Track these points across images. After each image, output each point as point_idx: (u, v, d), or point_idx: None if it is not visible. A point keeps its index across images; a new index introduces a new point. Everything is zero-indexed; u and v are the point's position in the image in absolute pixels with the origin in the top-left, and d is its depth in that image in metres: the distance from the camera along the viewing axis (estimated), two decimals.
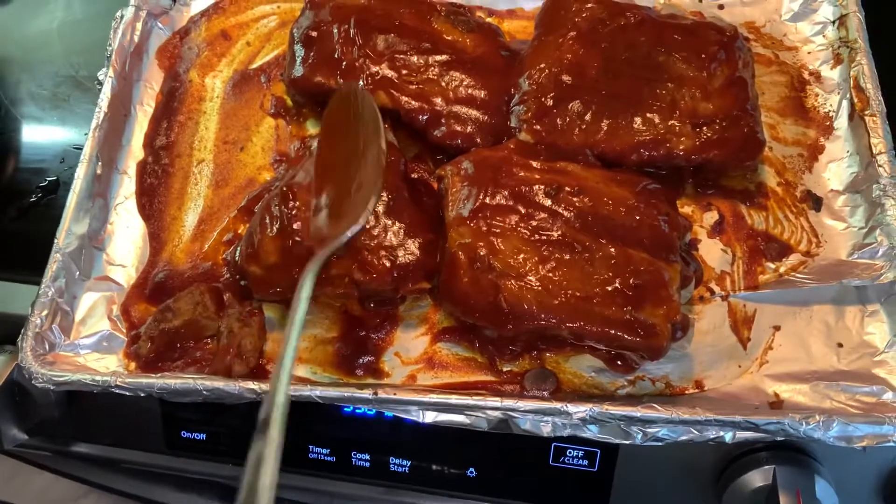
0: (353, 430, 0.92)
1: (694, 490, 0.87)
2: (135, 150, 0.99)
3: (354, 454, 0.92)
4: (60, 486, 1.20)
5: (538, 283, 0.79)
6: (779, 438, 0.75)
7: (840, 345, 0.82)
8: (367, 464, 0.92)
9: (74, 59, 1.16)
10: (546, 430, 0.77)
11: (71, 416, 0.95)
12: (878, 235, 0.84)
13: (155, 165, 0.98)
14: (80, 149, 0.94)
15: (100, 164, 0.93)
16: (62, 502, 1.27)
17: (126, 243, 0.93)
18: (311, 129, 0.98)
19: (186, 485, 1.03)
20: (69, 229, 0.89)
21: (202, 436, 0.94)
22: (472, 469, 0.91)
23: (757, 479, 0.82)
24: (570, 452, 0.87)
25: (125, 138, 0.99)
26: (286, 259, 0.82)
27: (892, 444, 0.73)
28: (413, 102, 0.91)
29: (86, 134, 0.95)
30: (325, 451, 0.92)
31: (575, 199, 0.82)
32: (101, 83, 0.99)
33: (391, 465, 0.92)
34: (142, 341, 0.85)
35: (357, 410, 0.89)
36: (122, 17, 1.03)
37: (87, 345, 0.87)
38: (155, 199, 0.96)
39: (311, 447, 0.93)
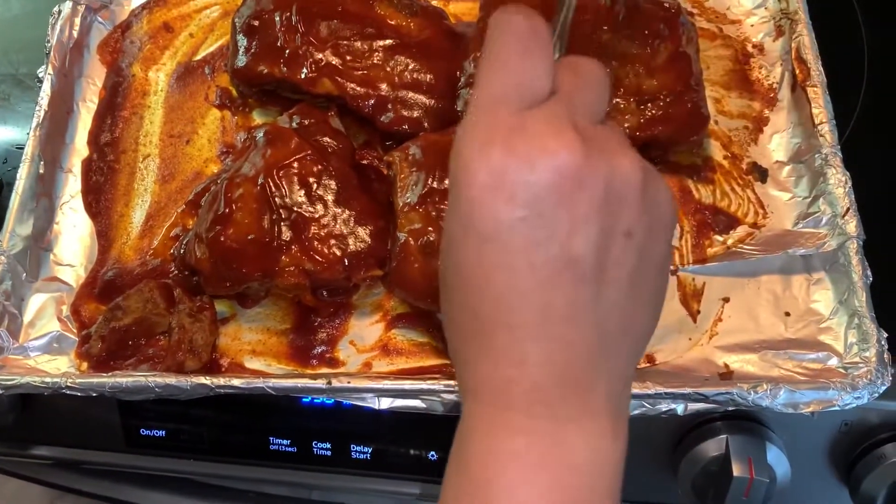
0: (313, 419, 0.92)
1: (651, 462, 0.88)
2: (79, 147, 0.97)
3: (315, 444, 0.92)
4: (31, 491, 1.19)
5: None
6: (730, 408, 0.77)
7: (787, 314, 0.83)
8: (329, 452, 0.92)
9: (13, 57, 1.13)
10: None
11: (27, 419, 0.94)
12: (821, 204, 0.85)
13: (100, 162, 0.96)
14: (23, 148, 0.93)
15: (42, 162, 0.92)
16: None
17: (73, 243, 0.92)
18: (257, 118, 0.98)
19: (149, 482, 1.02)
20: (13, 230, 0.88)
21: (162, 433, 0.94)
22: (433, 453, 0.91)
23: (711, 448, 0.83)
24: None
25: (69, 136, 0.98)
26: (234, 253, 0.81)
27: (837, 408, 0.74)
28: (359, 88, 0.90)
29: (28, 133, 0.93)
30: (285, 442, 0.92)
31: None
32: (41, 80, 0.97)
33: (353, 453, 0.92)
34: (93, 341, 0.84)
35: (315, 400, 0.90)
36: (59, 12, 1.01)
37: (37, 347, 0.86)
38: (101, 197, 0.94)
39: (271, 439, 0.93)
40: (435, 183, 0.83)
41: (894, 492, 0.82)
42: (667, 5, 0.92)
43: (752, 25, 1.00)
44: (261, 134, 0.88)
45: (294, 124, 0.89)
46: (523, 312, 0.47)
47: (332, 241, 0.83)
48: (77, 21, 1.01)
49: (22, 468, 1.06)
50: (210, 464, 0.96)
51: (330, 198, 0.84)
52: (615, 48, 0.89)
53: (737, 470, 0.79)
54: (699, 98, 0.89)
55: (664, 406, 0.76)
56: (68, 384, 0.78)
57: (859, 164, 0.86)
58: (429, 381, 0.78)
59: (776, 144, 0.93)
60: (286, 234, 0.82)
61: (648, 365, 0.82)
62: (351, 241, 0.83)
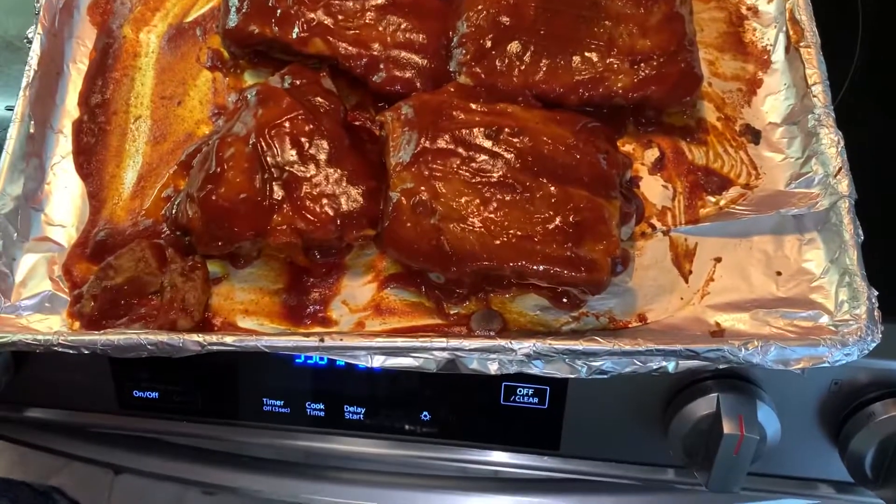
0: (307, 380, 0.92)
1: (642, 421, 0.89)
2: (69, 108, 0.97)
3: (309, 405, 0.93)
4: (36, 460, 1.19)
5: (480, 225, 0.79)
6: (721, 366, 0.77)
7: (779, 273, 0.83)
8: (322, 413, 0.93)
9: (2, 19, 1.12)
10: (493, 368, 0.78)
11: (20, 382, 0.94)
12: (813, 164, 0.85)
13: (91, 123, 0.96)
14: (13, 110, 0.92)
15: (33, 123, 0.91)
16: (36, 477, 1.26)
17: (65, 203, 0.92)
18: (249, 80, 0.97)
19: (141, 445, 1.03)
20: (4, 190, 0.87)
21: (154, 394, 0.94)
22: (426, 413, 0.92)
23: (702, 406, 0.84)
24: (520, 391, 0.88)
25: (59, 97, 0.97)
26: (226, 212, 0.81)
27: (826, 364, 0.74)
28: (351, 48, 0.90)
29: (18, 94, 0.92)
30: (279, 402, 0.93)
31: (515, 139, 0.82)
32: (30, 41, 0.96)
33: (346, 414, 0.93)
34: (85, 300, 0.84)
35: (309, 361, 0.90)
36: None
37: (29, 306, 0.85)
38: (93, 158, 0.94)
39: (265, 400, 0.93)
40: (427, 142, 0.83)
41: (883, 449, 0.82)
42: None
43: None
44: (252, 94, 0.88)
45: (286, 84, 0.88)
46: None
47: (325, 201, 0.82)
48: None
49: (14, 431, 1.07)
50: (203, 425, 0.97)
51: (322, 157, 0.84)
52: (609, 8, 0.89)
53: (727, 427, 0.80)
54: (692, 58, 0.89)
55: (655, 364, 0.76)
56: (60, 342, 0.78)
57: (853, 125, 0.86)
58: (421, 339, 0.78)
59: (769, 106, 0.92)
60: (278, 194, 0.82)
61: (640, 324, 0.83)
62: (343, 200, 0.82)
